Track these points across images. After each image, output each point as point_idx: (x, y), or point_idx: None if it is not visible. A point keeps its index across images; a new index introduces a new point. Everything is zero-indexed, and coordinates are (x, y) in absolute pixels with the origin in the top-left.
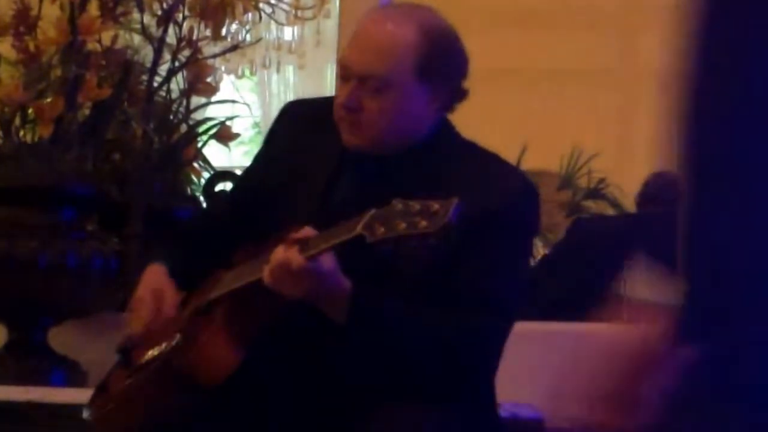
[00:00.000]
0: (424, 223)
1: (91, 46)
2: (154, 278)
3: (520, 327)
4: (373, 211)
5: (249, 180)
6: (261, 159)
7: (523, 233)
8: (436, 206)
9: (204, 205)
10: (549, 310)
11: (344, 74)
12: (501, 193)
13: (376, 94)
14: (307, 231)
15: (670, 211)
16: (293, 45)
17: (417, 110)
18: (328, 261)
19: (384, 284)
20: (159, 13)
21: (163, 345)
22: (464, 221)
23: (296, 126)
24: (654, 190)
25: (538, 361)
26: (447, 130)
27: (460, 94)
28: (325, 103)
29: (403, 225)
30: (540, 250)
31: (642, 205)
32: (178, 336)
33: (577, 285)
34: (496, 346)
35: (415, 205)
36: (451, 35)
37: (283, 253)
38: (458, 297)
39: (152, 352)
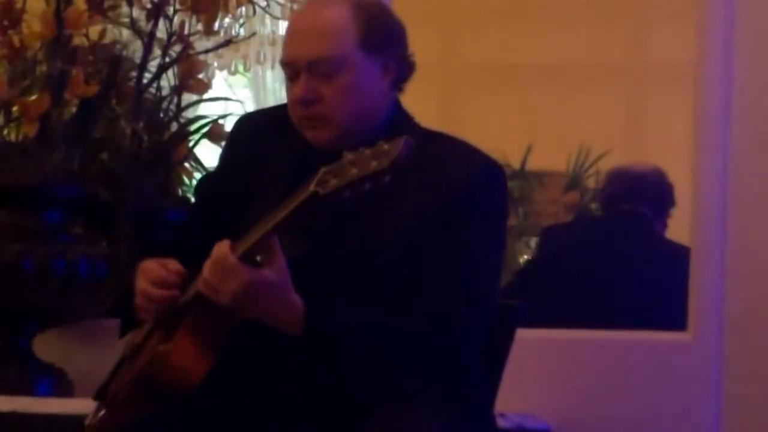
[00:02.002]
0: (374, 162)
1: (78, 40)
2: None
3: (524, 335)
4: (323, 168)
5: (207, 202)
6: (217, 179)
7: (492, 214)
8: (385, 146)
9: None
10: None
11: (290, 73)
12: (465, 175)
13: (329, 78)
14: None
15: (637, 210)
16: None
17: (373, 86)
18: (273, 270)
19: (352, 280)
20: (149, 6)
21: (134, 372)
22: (429, 207)
23: (251, 139)
24: (616, 189)
25: (542, 370)
26: (402, 114)
27: (409, 66)
28: (277, 110)
29: (355, 170)
30: None
31: (607, 207)
32: (154, 348)
33: (557, 296)
34: (474, 333)
35: (365, 151)
36: (381, 5)
37: (216, 250)
38: (429, 287)
39: (124, 380)
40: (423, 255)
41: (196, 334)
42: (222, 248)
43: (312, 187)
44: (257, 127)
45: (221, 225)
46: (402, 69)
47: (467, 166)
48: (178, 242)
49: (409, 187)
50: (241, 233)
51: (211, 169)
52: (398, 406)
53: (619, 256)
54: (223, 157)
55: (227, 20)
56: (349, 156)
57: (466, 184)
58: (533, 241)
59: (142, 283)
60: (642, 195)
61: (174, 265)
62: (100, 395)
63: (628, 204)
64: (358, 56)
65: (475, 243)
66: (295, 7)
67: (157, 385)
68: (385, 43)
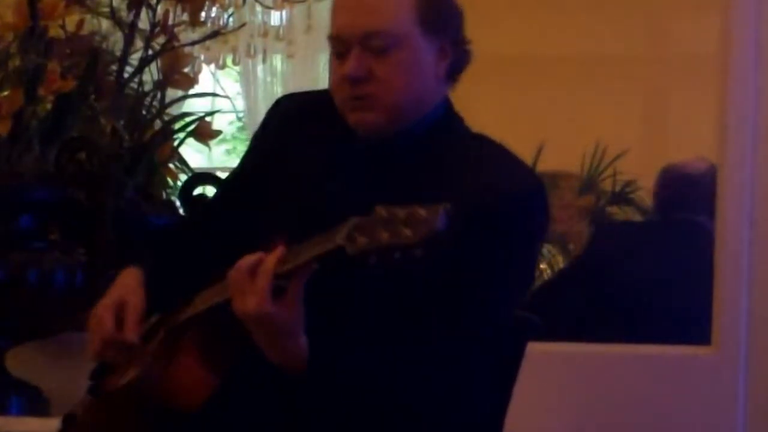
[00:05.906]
0: (407, 232)
1: (54, 32)
2: (122, 289)
3: (538, 348)
4: (354, 220)
5: (236, 183)
6: (249, 159)
7: (523, 238)
8: (422, 213)
9: (181, 211)
10: (573, 329)
11: (339, 48)
12: (502, 191)
13: (383, 55)
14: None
15: (692, 218)
16: (281, 31)
17: (429, 69)
18: (293, 306)
19: (357, 301)
20: None
21: (136, 370)
22: (455, 221)
23: (289, 122)
24: (670, 195)
25: (557, 386)
26: (451, 113)
27: (465, 54)
28: (321, 95)
29: (386, 235)
30: (560, 261)
31: (661, 212)
32: (149, 360)
33: (603, 299)
34: (481, 373)
35: (400, 213)
36: None
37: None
38: (441, 314)
39: (124, 378)
40: (442, 273)
41: (204, 351)
42: (270, 260)
43: (339, 240)
44: (294, 110)
45: (244, 212)
46: (458, 56)
47: (506, 182)
48: (195, 228)
49: (443, 194)
50: (266, 224)
51: (199, 170)
52: None
53: (674, 268)
54: (255, 140)
55: (215, 10)
56: (382, 213)
57: (501, 202)
58: (544, 248)
59: (92, 336)
60: (698, 202)
61: (132, 317)
62: (95, 375)
63: (683, 212)
64: (415, 33)
65: (499, 268)
66: None
67: (156, 404)
68: (444, 23)
